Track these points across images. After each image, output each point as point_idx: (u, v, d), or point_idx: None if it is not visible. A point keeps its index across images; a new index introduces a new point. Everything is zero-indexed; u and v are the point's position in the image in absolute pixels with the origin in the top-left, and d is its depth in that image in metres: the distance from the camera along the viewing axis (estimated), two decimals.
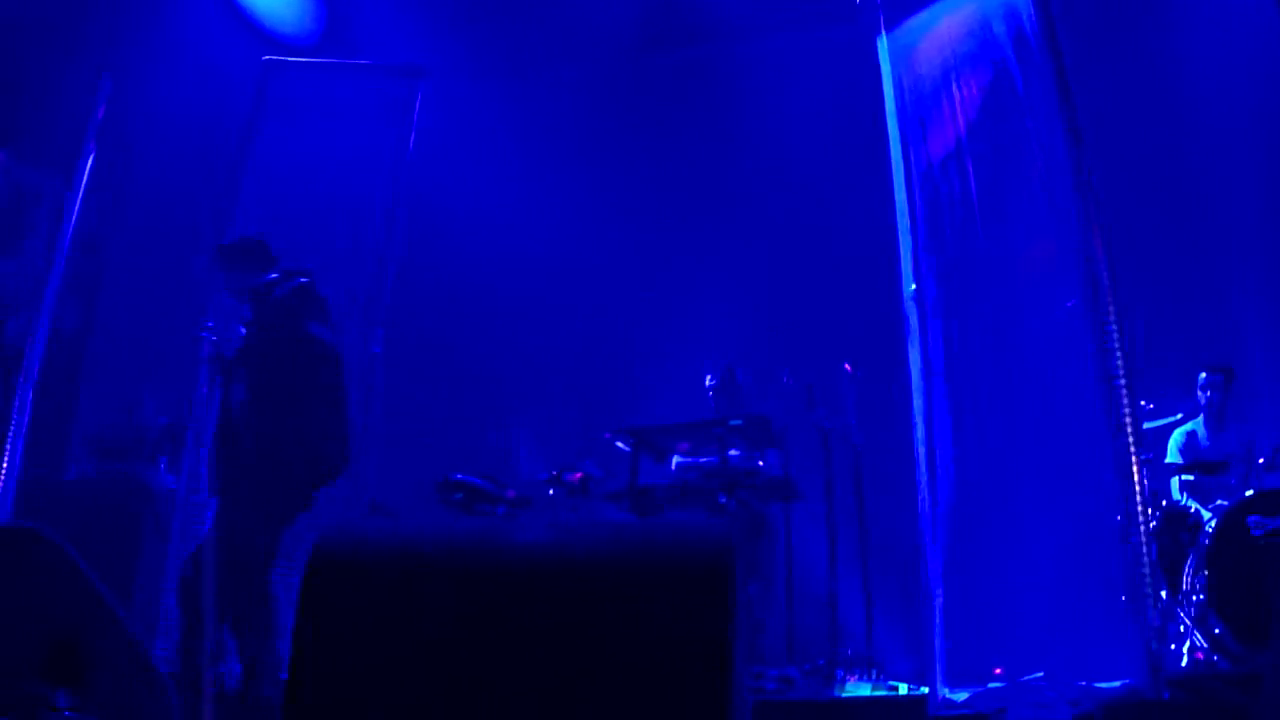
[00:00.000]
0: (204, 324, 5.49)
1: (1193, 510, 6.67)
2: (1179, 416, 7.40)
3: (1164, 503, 6.88)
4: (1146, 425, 6.84)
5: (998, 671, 5.51)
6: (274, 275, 5.58)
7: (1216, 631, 5.82)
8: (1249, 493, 6.11)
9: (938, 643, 5.41)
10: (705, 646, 1.71)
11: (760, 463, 6.99)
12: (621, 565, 1.82)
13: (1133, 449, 5.17)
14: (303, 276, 5.53)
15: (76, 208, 7.03)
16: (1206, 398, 7.29)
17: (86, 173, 7.07)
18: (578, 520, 5.67)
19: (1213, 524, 6.09)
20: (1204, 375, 7.31)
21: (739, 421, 6.59)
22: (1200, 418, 7.35)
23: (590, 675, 1.74)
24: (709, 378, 7.68)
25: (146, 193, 9.16)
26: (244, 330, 5.46)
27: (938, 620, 5.49)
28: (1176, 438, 7.35)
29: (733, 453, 6.79)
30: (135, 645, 2.42)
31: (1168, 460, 7.25)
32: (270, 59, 7.96)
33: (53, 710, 2.25)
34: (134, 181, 9.23)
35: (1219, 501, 6.51)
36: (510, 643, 1.77)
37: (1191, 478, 7.08)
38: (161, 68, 8.80)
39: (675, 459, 7.30)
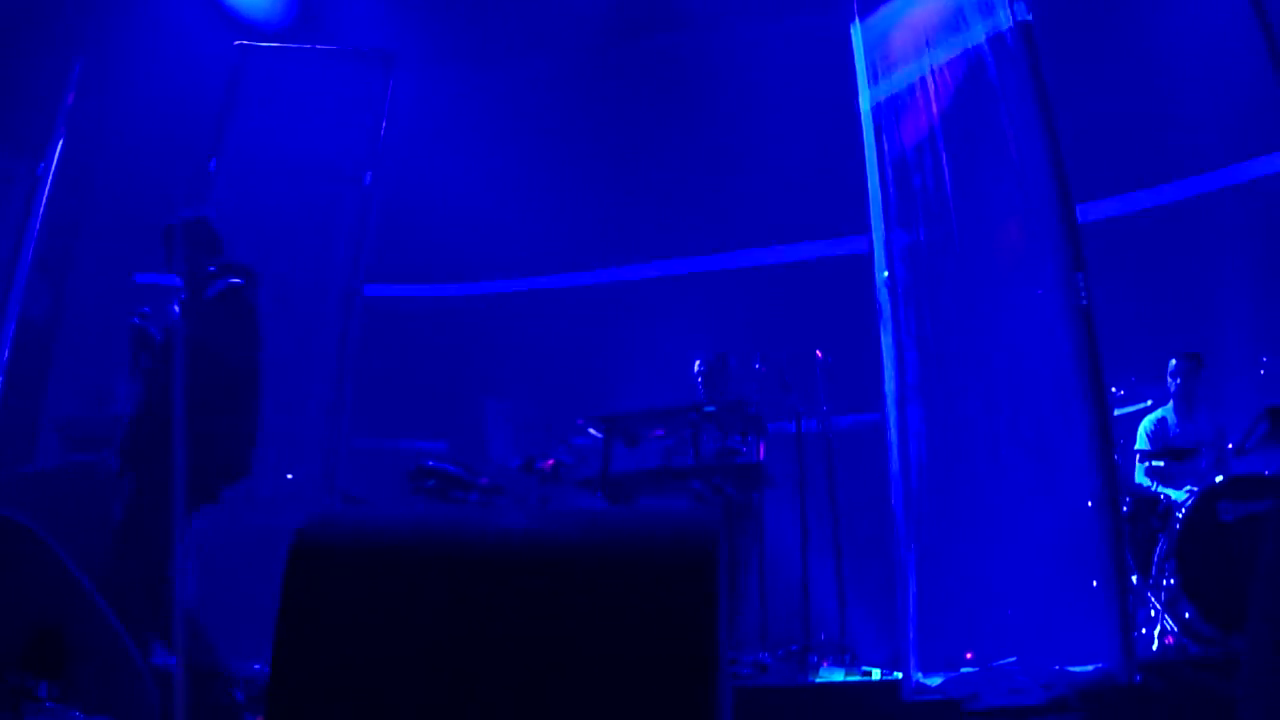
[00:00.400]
0: (140, 310, 5.40)
1: (1163, 496, 6.73)
2: (1149, 403, 7.46)
3: (1132, 488, 6.96)
4: (1117, 412, 6.90)
5: (969, 656, 5.55)
6: (212, 268, 5.45)
7: (1187, 616, 5.87)
8: (1219, 478, 6.17)
9: (911, 628, 5.43)
10: (691, 635, 1.71)
11: (743, 448, 6.95)
12: (610, 554, 1.82)
13: (1105, 435, 5.21)
14: (237, 277, 5.39)
15: (46, 194, 6.96)
16: (1176, 384, 7.33)
17: (56, 159, 7.00)
18: (564, 509, 5.66)
19: (1183, 510, 6.14)
20: (1174, 362, 7.36)
21: (712, 408, 6.56)
22: (1170, 404, 7.40)
23: (577, 663, 1.74)
24: (698, 363, 7.57)
25: (119, 178, 9.08)
26: (176, 311, 5.37)
27: (911, 605, 5.50)
28: (1146, 424, 7.40)
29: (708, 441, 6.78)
30: (115, 636, 2.41)
31: (1137, 446, 7.30)
32: (243, 44, 7.91)
33: (36, 702, 2.23)
34: (106, 167, 9.15)
35: (1188, 487, 6.57)
36: (497, 630, 1.77)
37: (1161, 464, 7.13)
38: (134, 53, 8.74)
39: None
